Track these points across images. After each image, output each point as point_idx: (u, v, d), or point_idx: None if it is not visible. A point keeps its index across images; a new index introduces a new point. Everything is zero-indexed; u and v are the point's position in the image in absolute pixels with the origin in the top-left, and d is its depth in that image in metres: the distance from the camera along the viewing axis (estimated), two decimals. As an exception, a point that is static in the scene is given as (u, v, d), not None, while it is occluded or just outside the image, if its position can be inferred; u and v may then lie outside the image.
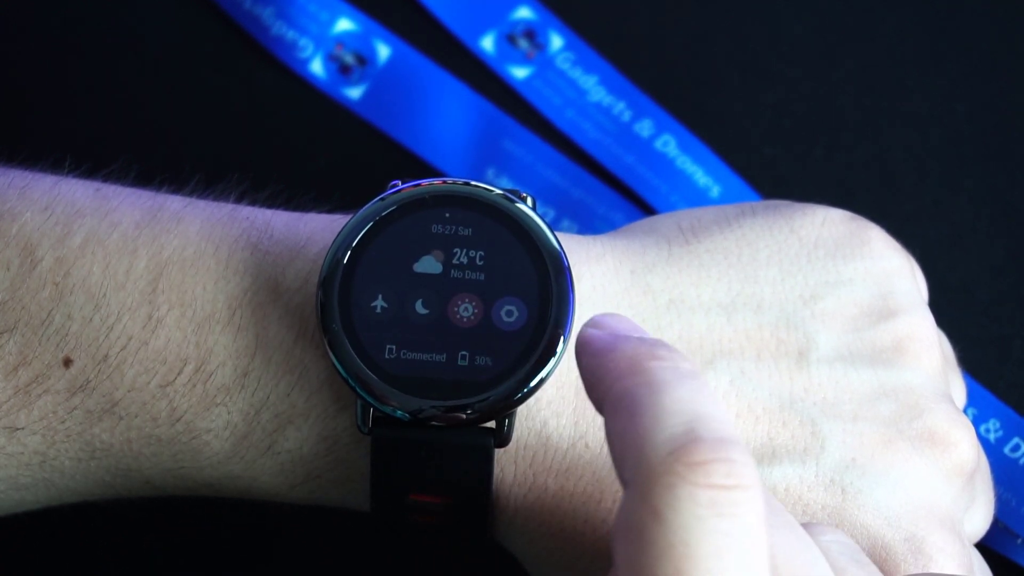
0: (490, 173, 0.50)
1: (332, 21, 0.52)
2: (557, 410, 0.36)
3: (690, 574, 0.27)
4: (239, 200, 0.40)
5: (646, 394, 0.29)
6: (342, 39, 0.51)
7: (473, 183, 0.36)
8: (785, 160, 0.51)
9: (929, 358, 0.39)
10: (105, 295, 0.36)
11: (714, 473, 0.28)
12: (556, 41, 0.52)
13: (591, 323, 0.32)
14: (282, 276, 0.37)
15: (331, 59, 0.51)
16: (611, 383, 0.30)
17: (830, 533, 0.32)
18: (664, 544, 0.27)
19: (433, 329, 0.35)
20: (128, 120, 0.50)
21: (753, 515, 0.28)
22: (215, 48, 0.51)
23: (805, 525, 0.32)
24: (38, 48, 0.51)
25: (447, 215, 0.36)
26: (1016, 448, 0.45)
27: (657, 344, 0.31)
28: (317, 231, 0.38)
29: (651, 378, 0.30)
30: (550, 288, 0.35)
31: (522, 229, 0.36)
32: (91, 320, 0.36)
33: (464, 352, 0.35)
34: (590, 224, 0.50)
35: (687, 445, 0.28)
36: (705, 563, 0.27)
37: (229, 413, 0.36)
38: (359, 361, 0.35)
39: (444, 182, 0.36)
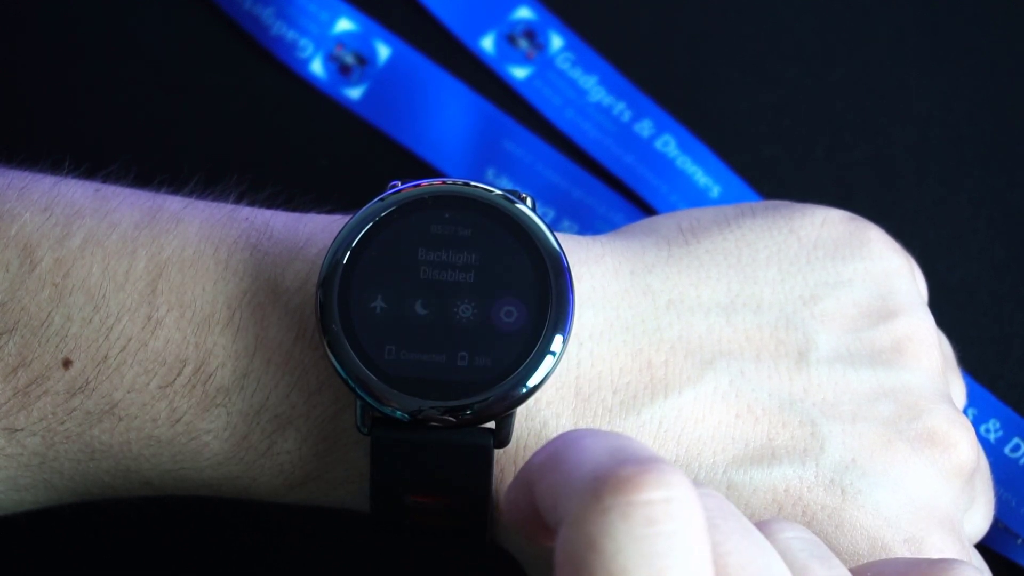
0: (490, 173, 0.50)
1: (332, 21, 0.52)
2: (557, 411, 0.36)
3: None
4: (239, 200, 0.40)
5: (565, 445, 0.29)
6: (342, 39, 0.51)
7: (472, 184, 0.36)
8: (785, 160, 0.50)
9: (929, 358, 0.39)
10: (104, 296, 0.36)
11: (644, 486, 0.27)
12: (556, 41, 0.52)
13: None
14: (281, 277, 0.37)
15: (331, 59, 0.51)
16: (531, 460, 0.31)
17: (790, 530, 0.31)
18: (603, 573, 0.27)
19: (433, 329, 0.35)
20: (128, 120, 0.50)
21: (691, 528, 0.27)
22: (215, 48, 0.51)
23: (765, 522, 0.32)
24: (38, 49, 0.51)
25: (447, 215, 0.36)
26: (1016, 448, 0.45)
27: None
28: (317, 231, 0.38)
29: (568, 435, 0.30)
30: (550, 288, 0.35)
31: (522, 229, 0.36)
32: (91, 321, 0.36)
33: (464, 352, 0.35)
34: (590, 224, 0.50)
35: (613, 467, 0.28)
36: None
37: (228, 414, 0.36)
38: (358, 362, 0.35)
39: (444, 182, 0.36)
